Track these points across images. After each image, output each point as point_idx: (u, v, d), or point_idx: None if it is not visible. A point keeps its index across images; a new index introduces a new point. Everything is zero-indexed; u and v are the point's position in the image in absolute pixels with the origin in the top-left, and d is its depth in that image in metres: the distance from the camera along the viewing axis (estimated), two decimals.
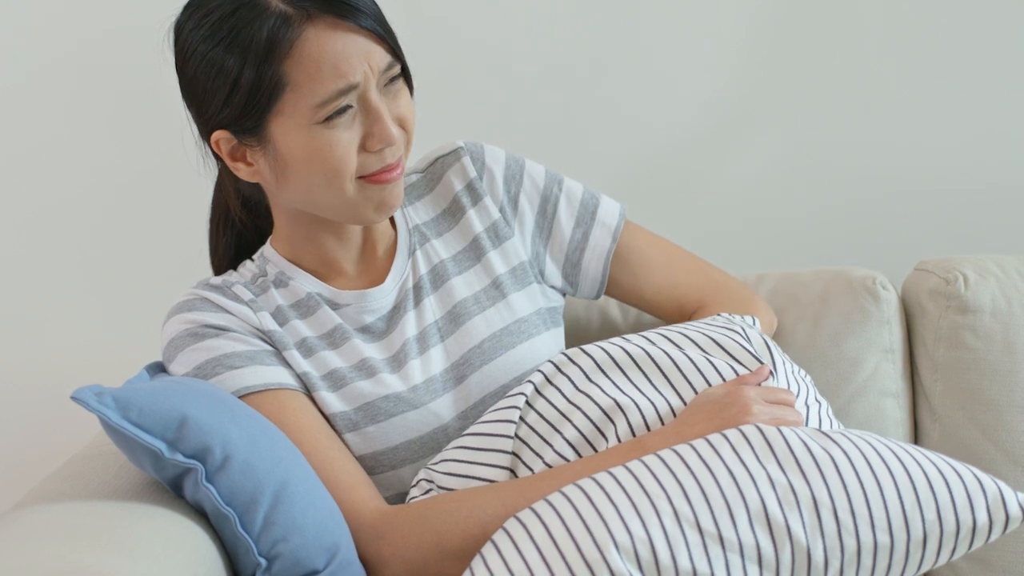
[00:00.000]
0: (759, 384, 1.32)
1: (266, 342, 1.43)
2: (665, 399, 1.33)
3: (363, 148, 1.36)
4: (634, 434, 1.31)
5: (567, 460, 1.32)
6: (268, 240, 1.51)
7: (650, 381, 1.35)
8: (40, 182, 2.02)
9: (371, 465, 1.42)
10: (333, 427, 1.42)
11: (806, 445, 1.17)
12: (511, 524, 1.19)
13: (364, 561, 1.32)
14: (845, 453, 1.17)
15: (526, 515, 1.18)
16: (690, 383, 1.34)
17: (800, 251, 2.09)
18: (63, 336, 2.05)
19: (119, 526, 1.17)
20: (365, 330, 1.47)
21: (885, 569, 1.16)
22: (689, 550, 1.12)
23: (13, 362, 2.04)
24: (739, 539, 1.13)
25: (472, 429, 1.38)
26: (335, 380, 1.43)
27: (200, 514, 1.26)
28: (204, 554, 1.21)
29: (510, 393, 1.40)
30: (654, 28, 2.04)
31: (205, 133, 1.40)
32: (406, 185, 1.53)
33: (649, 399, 1.33)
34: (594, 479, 1.18)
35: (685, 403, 1.33)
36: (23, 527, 1.17)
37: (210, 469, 1.22)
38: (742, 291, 1.62)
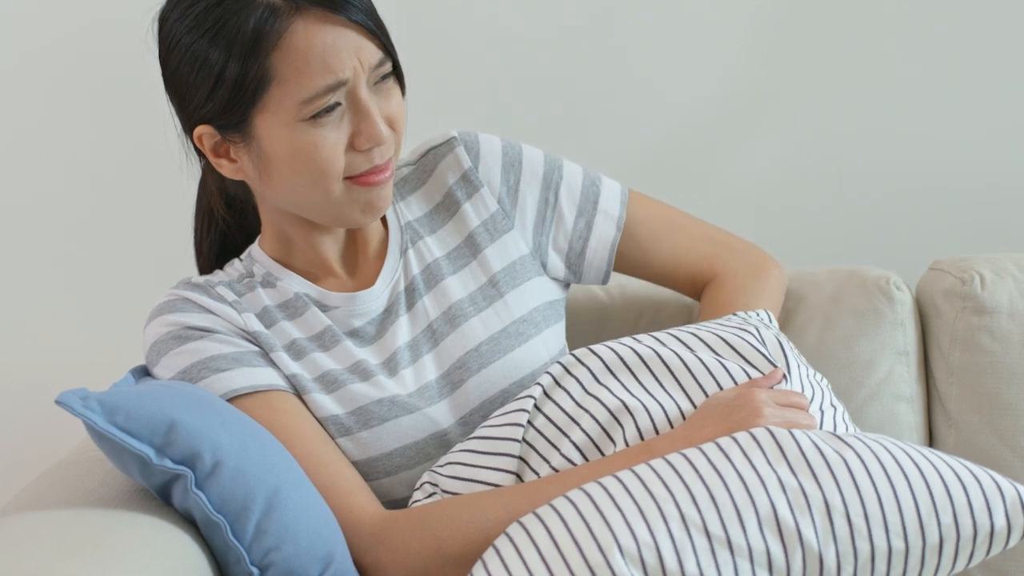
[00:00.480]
0: (772, 387, 1.31)
1: (252, 343, 1.42)
2: (675, 402, 1.32)
3: (351, 147, 1.35)
4: (642, 437, 1.30)
5: (574, 464, 1.31)
6: (256, 240, 1.50)
7: (660, 383, 1.34)
8: (17, 178, 2.02)
9: (365, 471, 1.41)
10: (325, 431, 1.40)
11: (818, 448, 1.16)
12: (513, 529, 1.18)
13: (362, 568, 1.31)
14: (858, 456, 1.15)
15: (529, 519, 1.17)
16: (701, 385, 1.33)
17: (811, 249, 2.08)
18: (45, 338, 2.04)
19: (105, 535, 1.16)
20: (354, 334, 1.46)
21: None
22: (696, 555, 1.11)
23: None
24: (748, 544, 1.11)
25: (478, 432, 1.38)
26: (328, 382, 1.42)
27: (189, 522, 1.25)
28: (193, 563, 1.20)
29: (518, 396, 1.39)
30: (665, 17, 2.05)
31: (188, 127, 1.39)
32: (397, 178, 1.53)
33: (658, 401, 1.32)
34: (599, 483, 1.17)
35: (695, 406, 1.32)
36: (5, 536, 1.15)
37: (200, 475, 1.21)
38: (753, 254, 1.62)
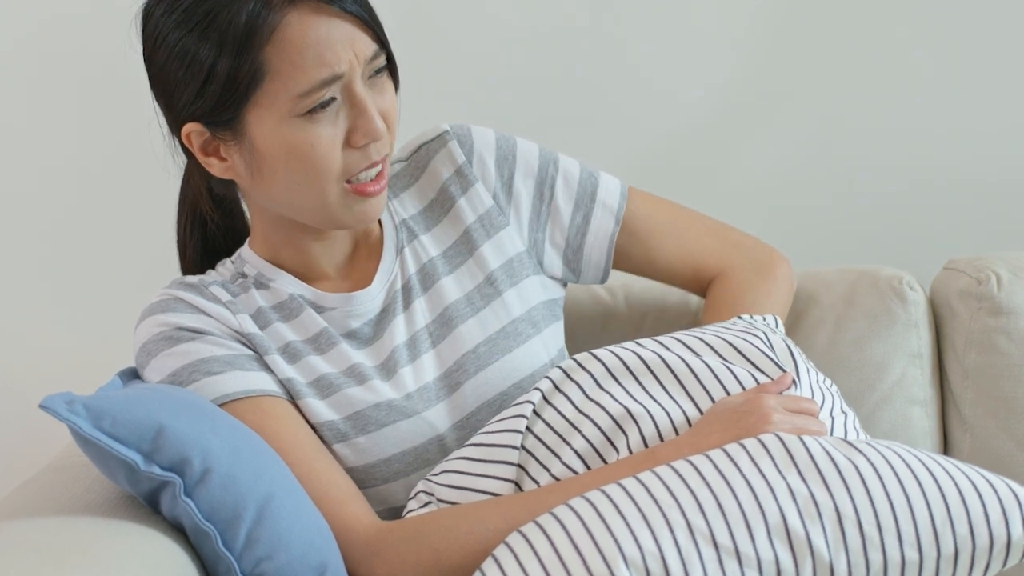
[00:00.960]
0: (781, 392, 1.29)
1: (246, 346, 1.40)
2: (680, 408, 1.31)
3: (347, 144, 1.34)
4: (646, 445, 1.29)
5: (575, 472, 1.30)
6: (247, 241, 1.49)
7: (665, 389, 1.33)
8: (3, 179, 2.01)
9: (362, 478, 1.40)
10: (320, 438, 1.39)
11: (829, 454, 1.15)
12: (514, 538, 1.16)
13: None
14: (871, 463, 1.14)
15: (530, 529, 1.16)
16: (707, 391, 1.32)
17: (822, 248, 2.08)
18: (28, 341, 2.04)
19: (91, 544, 1.15)
20: (351, 336, 1.44)
21: None
22: (703, 565, 1.10)
23: None
24: (757, 554, 1.11)
25: (475, 439, 1.37)
26: (323, 386, 1.40)
27: (178, 531, 1.24)
28: (182, 573, 1.19)
29: (516, 401, 1.38)
30: (674, 12, 2.05)
31: (175, 126, 1.38)
32: (388, 175, 1.50)
33: (663, 408, 1.31)
34: (602, 491, 1.16)
35: (702, 412, 1.30)
36: None
37: (189, 482, 1.20)
38: (760, 251, 1.61)
